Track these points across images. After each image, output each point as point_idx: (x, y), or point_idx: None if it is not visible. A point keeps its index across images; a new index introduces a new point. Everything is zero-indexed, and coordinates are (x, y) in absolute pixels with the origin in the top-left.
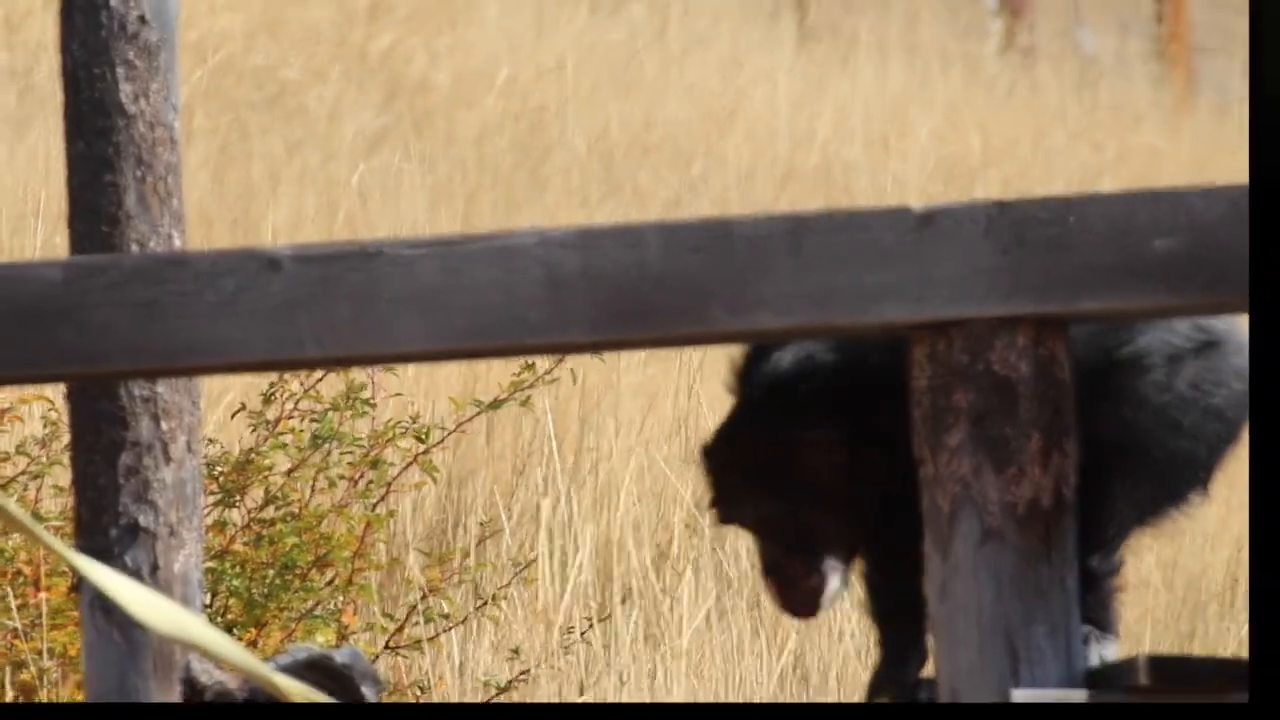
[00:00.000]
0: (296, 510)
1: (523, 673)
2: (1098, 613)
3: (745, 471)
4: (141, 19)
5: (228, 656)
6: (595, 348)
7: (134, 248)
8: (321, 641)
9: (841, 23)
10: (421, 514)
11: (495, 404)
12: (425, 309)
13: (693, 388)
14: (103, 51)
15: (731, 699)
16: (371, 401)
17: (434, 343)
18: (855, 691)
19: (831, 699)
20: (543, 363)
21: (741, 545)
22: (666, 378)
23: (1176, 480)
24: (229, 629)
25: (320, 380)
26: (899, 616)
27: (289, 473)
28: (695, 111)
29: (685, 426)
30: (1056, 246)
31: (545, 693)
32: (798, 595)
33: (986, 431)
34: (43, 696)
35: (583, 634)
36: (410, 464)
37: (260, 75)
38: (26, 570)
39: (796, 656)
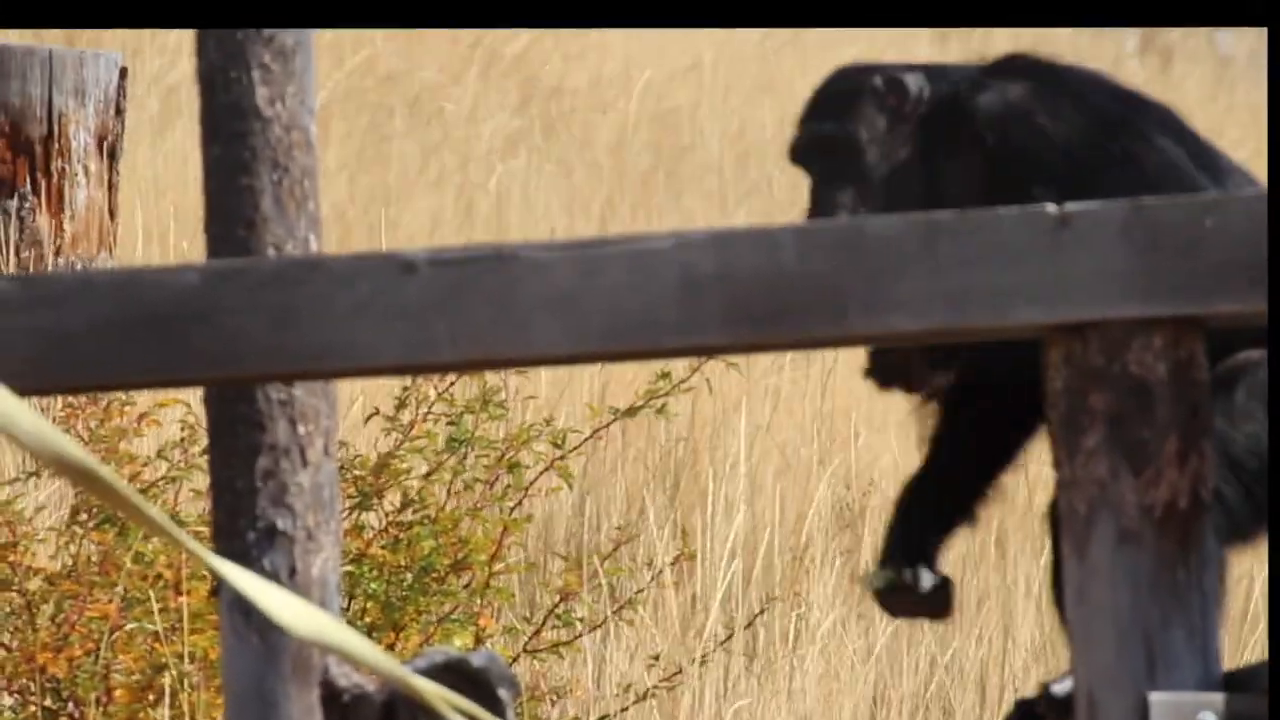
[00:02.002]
0: (433, 514)
1: (668, 678)
2: None
3: None
4: None
5: (366, 659)
6: (730, 350)
7: (270, 251)
8: (459, 645)
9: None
10: (558, 518)
11: (631, 411)
12: (561, 312)
13: (828, 390)
14: (239, 55)
15: (870, 702)
16: (505, 405)
17: (570, 346)
18: (994, 693)
19: (970, 701)
20: (679, 370)
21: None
22: (802, 381)
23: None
24: (367, 632)
25: (454, 384)
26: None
27: (426, 476)
28: None
29: (821, 429)
30: (1194, 247)
31: (684, 698)
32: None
33: (1123, 434)
34: (183, 700)
35: (723, 643)
36: (547, 469)
37: (397, 79)
38: (167, 574)
39: (934, 658)
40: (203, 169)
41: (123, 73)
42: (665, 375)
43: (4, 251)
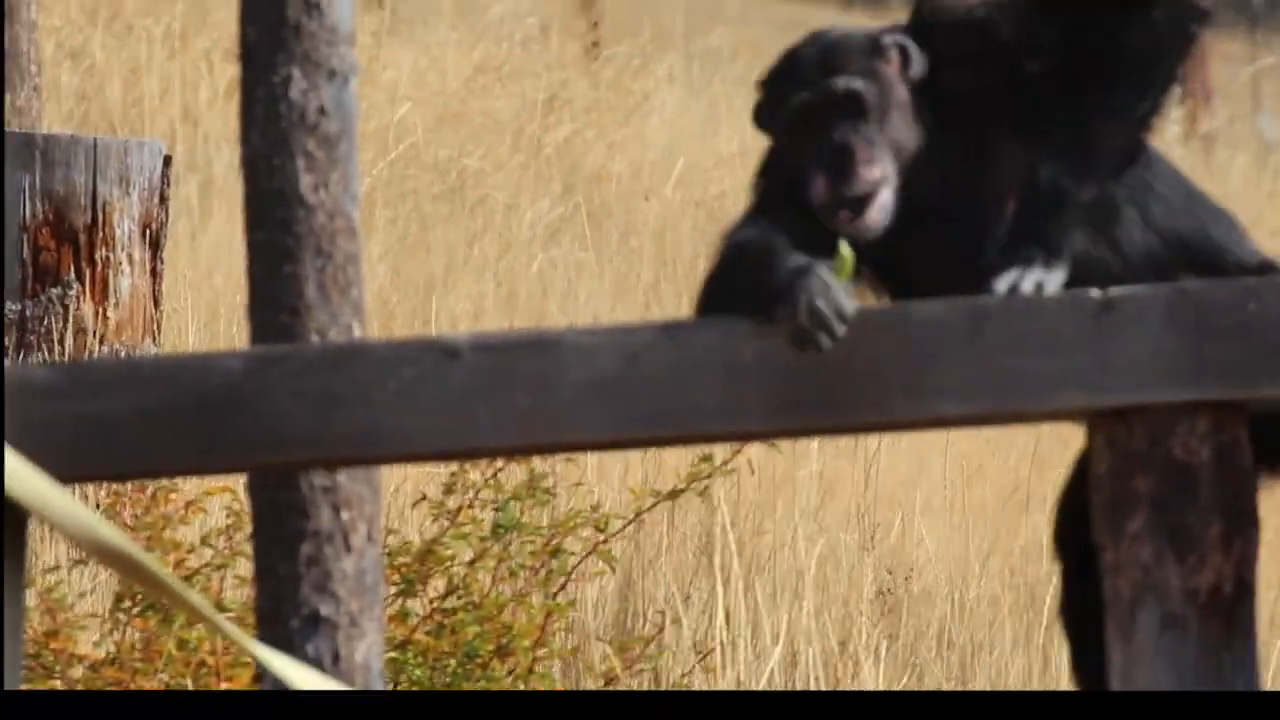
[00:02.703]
0: (478, 600)
1: None
2: (1055, 236)
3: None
4: (321, 110)
5: None
6: (773, 435)
7: (314, 337)
8: None
9: None
10: (602, 602)
11: (674, 494)
12: (604, 397)
13: (872, 474)
14: (282, 142)
15: None
16: (552, 491)
17: (612, 431)
18: None
19: None
20: (721, 452)
21: (925, 634)
22: (845, 465)
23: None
24: None
25: (501, 469)
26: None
27: (470, 563)
28: None
29: (864, 515)
30: (1238, 331)
31: None
32: (851, 183)
33: (1167, 518)
34: None
35: None
36: (590, 553)
37: (440, 166)
38: (210, 661)
39: None
40: (246, 255)
41: (166, 160)
42: (707, 458)
43: (49, 339)
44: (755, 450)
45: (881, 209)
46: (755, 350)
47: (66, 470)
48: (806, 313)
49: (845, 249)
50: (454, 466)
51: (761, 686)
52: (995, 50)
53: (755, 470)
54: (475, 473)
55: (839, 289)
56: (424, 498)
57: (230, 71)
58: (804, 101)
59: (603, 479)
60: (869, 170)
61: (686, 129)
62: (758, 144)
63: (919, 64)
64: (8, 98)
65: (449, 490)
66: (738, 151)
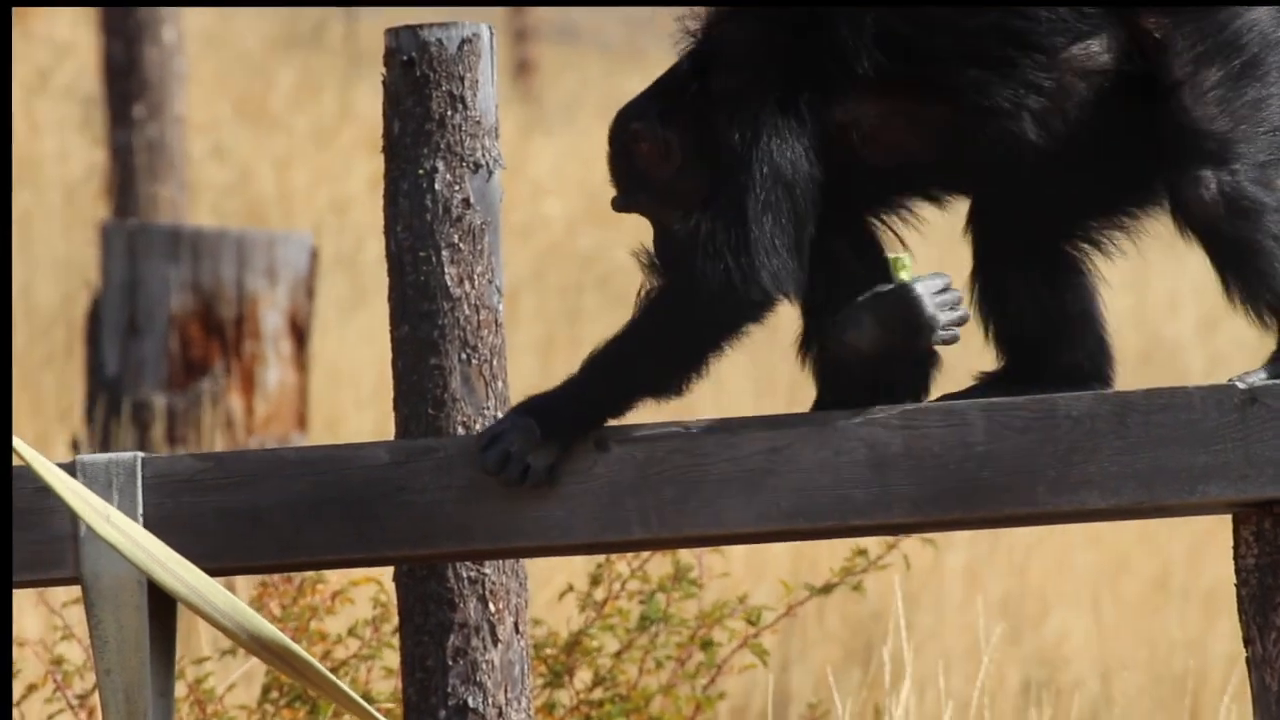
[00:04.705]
0: (625, 692)
1: None
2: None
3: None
4: (466, 202)
5: None
6: (919, 529)
7: (459, 430)
8: None
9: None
10: (752, 695)
11: (826, 589)
12: (750, 489)
13: (1019, 566)
14: (427, 235)
15: None
16: (699, 582)
17: (760, 523)
18: None
19: None
20: (873, 546)
21: None
22: (992, 558)
23: None
24: None
25: (648, 561)
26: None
27: (617, 654)
28: None
29: (1012, 607)
30: None
31: None
32: None
33: None
34: None
35: None
36: (740, 646)
37: (587, 258)
38: None
39: None
40: (391, 348)
41: (313, 253)
42: (861, 553)
43: (197, 432)
44: (908, 544)
45: None
46: (901, 443)
47: (214, 561)
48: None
49: (895, 258)
50: (601, 557)
51: None
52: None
53: (909, 565)
54: (622, 564)
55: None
56: (571, 589)
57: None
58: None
59: (751, 569)
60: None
61: None
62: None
63: (667, 136)
64: (156, 190)
65: (596, 581)
66: None
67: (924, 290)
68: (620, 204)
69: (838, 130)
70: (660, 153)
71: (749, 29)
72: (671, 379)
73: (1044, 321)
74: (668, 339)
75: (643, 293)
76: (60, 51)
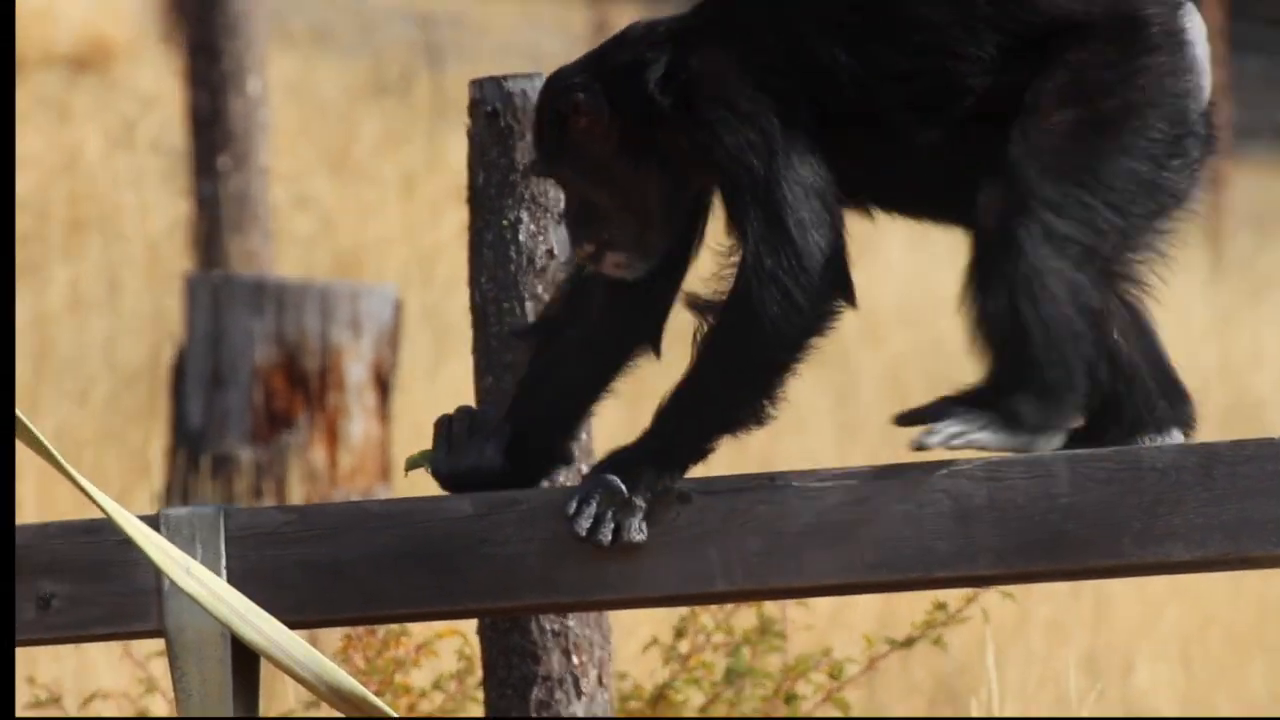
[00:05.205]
0: None
1: None
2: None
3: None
4: (550, 253)
5: None
6: (1003, 580)
7: (544, 482)
8: None
9: (1255, 258)
10: None
11: (908, 643)
12: (833, 541)
13: (1104, 621)
14: (511, 286)
15: None
16: (783, 634)
17: (843, 575)
18: None
19: None
20: (954, 600)
21: None
22: (1076, 611)
23: None
24: None
25: (733, 613)
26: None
27: (703, 708)
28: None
29: (1097, 661)
30: None
31: None
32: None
33: None
34: None
35: None
36: (824, 699)
37: (672, 313)
38: None
39: None
40: (475, 400)
41: (398, 305)
42: (941, 606)
43: (280, 484)
44: (989, 597)
45: (617, 266)
46: (985, 494)
47: (297, 614)
48: None
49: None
50: (685, 610)
51: None
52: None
53: (990, 619)
54: (707, 616)
55: None
56: (655, 641)
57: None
58: (527, 165)
59: (835, 621)
60: (583, 243)
61: (914, 270)
62: None
63: (611, 118)
64: (240, 242)
65: (680, 634)
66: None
67: None
68: (541, 170)
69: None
70: (600, 132)
71: (721, 61)
72: (749, 412)
73: (1113, 368)
74: (739, 373)
75: (700, 333)
76: (145, 103)
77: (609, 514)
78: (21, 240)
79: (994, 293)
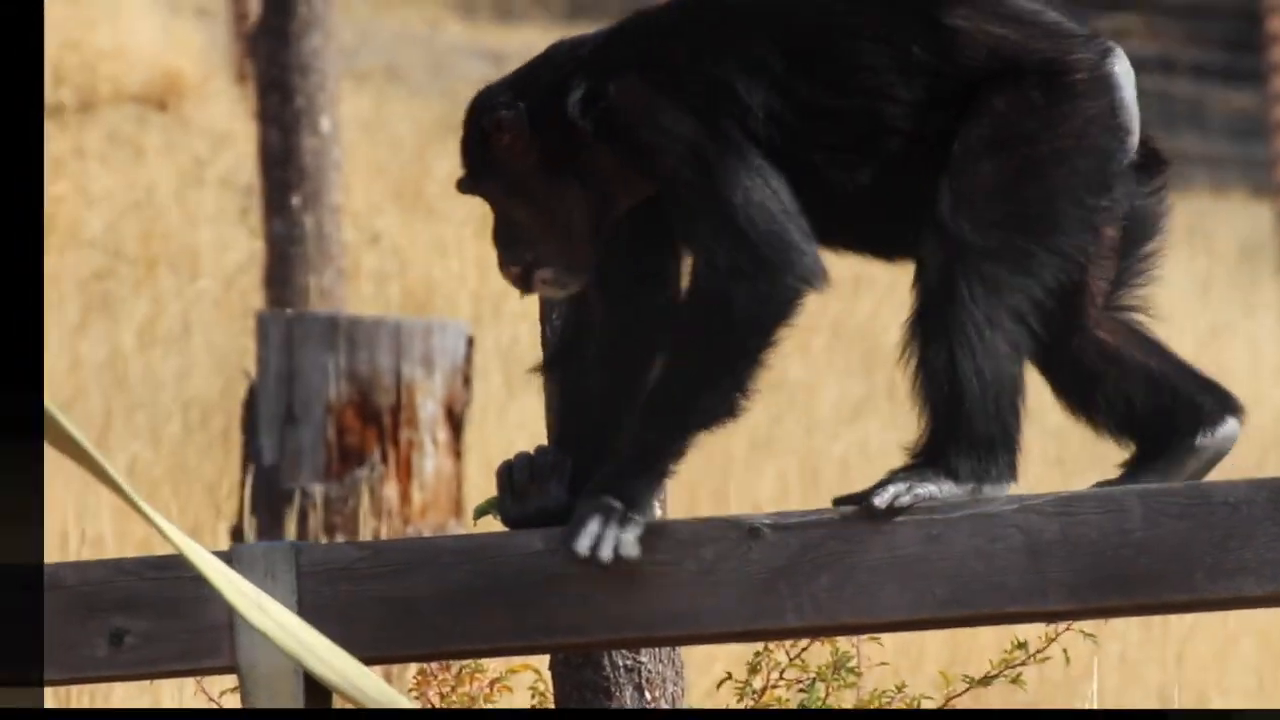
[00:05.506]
0: None
1: None
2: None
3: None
4: None
5: None
6: (1076, 616)
7: None
8: None
9: None
10: None
11: (985, 681)
12: (905, 577)
13: (1177, 657)
14: None
15: None
16: (857, 670)
17: (915, 611)
18: None
19: None
20: (1032, 636)
21: None
22: (1147, 647)
23: None
24: None
25: (806, 649)
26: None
27: None
28: None
29: (1171, 698)
30: None
31: None
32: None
33: None
34: None
35: None
36: None
37: None
38: None
39: None
40: (548, 435)
41: (470, 342)
42: (1021, 645)
43: (353, 520)
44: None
45: (545, 284)
46: (1057, 529)
47: (370, 650)
48: None
49: None
50: (759, 645)
51: None
52: None
53: (1070, 660)
54: (780, 652)
55: None
56: (729, 677)
57: None
58: (457, 188)
59: (908, 657)
60: (509, 265)
61: None
62: None
63: (522, 126)
64: (313, 279)
65: (754, 670)
66: None
67: None
68: (466, 186)
69: None
70: (521, 148)
71: (639, 91)
72: (725, 406)
73: (1150, 385)
74: (712, 369)
75: (669, 336)
76: (217, 141)
77: (607, 531)
78: (95, 277)
79: (934, 345)
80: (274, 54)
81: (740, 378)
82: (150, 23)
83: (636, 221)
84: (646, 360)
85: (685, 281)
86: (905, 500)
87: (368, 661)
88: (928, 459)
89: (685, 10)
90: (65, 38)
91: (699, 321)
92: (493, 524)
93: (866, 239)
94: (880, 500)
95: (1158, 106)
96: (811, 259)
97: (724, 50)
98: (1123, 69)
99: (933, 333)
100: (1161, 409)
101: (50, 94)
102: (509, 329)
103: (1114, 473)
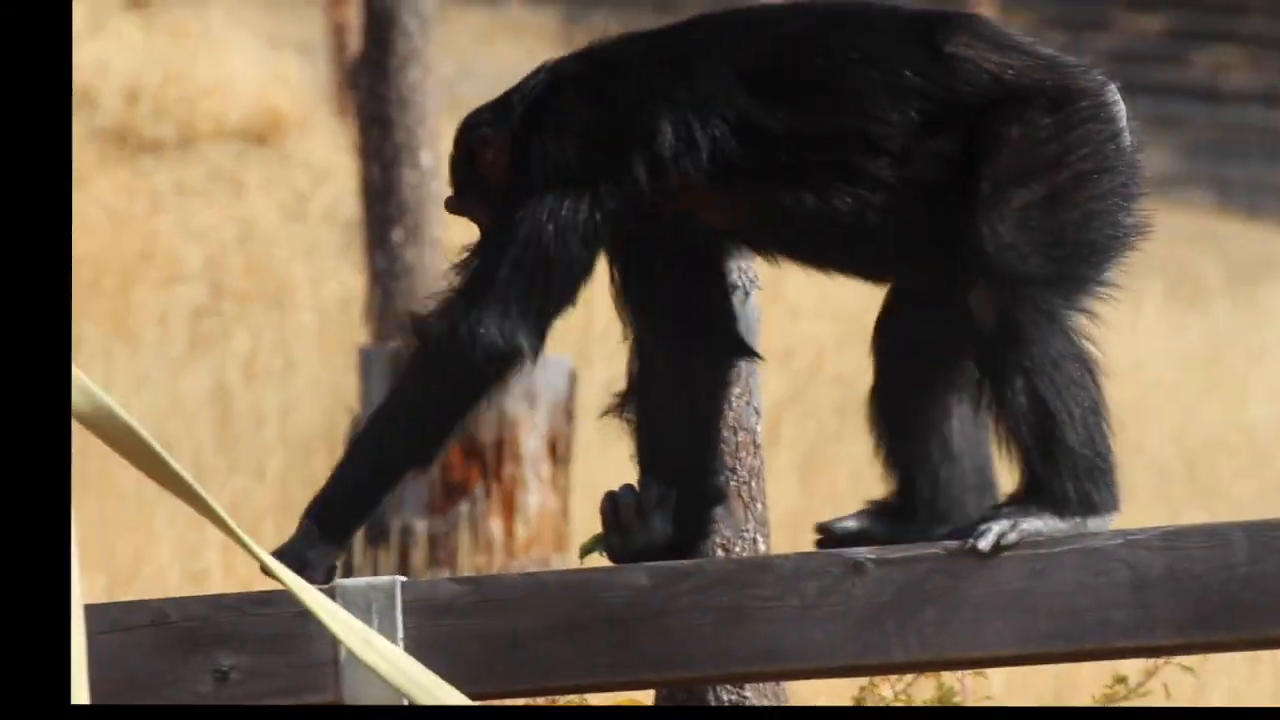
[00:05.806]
0: None
1: None
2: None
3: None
4: None
5: None
6: (1182, 650)
7: (719, 553)
8: None
9: None
10: None
11: (1087, 714)
12: (1010, 611)
13: None
14: None
15: None
16: (963, 706)
17: (1020, 645)
18: None
19: None
20: (1132, 673)
21: None
22: (1253, 684)
23: None
24: None
25: (912, 684)
26: None
27: None
28: (1278, 411)
29: None
30: None
31: None
32: None
33: None
34: None
35: None
36: None
37: (846, 380)
38: None
39: None
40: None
41: (572, 376)
42: (1122, 680)
43: (457, 555)
44: (1166, 670)
45: None
46: (1162, 564)
47: (474, 685)
48: None
49: None
50: (864, 680)
51: None
52: None
53: (1170, 694)
54: (886, 687)
55: None
56: None
57: None
58: (446, 208)
59: (1012, 692)
60: None
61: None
62: (1156, 357)
63: (512, 148)
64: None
65: (859, 704)
66: (1135, 366)
67: None
68: (453, 205)
69: (665, 200)
70: (501, 163)
71: (577, 106)
72: (421, 449)
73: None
74: (413, 406)
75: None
76: (317, 176)
77: (310, 558)
78: (197, 313)
79: (1012, 385)
80: (374, 88)
81: (437, 426)
82: (251, 58)
83: (674, 262)
84: (711, 377)
85: (731, 312)
86: (1011, 538)
87: (471, 696)
88: (1030, 494)
89: (653, 42)
90: (167, 73)
91: (416, 352)
92: (599, 559)
93: (853, 260)
94: (984, 543)
95: (1260, 139)
96: (528, 340)
97: (674, 88)
98: (1119, 100)
99: (1007, 373)
100: (940, 482)
101: (151, 129)
102: (612, 364)
103: (1223, 511)
